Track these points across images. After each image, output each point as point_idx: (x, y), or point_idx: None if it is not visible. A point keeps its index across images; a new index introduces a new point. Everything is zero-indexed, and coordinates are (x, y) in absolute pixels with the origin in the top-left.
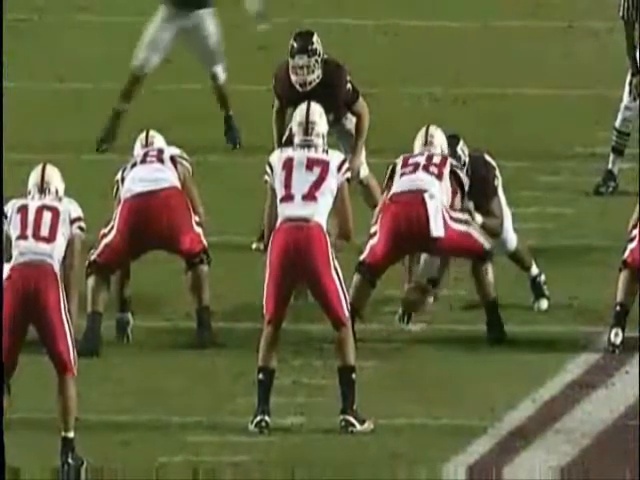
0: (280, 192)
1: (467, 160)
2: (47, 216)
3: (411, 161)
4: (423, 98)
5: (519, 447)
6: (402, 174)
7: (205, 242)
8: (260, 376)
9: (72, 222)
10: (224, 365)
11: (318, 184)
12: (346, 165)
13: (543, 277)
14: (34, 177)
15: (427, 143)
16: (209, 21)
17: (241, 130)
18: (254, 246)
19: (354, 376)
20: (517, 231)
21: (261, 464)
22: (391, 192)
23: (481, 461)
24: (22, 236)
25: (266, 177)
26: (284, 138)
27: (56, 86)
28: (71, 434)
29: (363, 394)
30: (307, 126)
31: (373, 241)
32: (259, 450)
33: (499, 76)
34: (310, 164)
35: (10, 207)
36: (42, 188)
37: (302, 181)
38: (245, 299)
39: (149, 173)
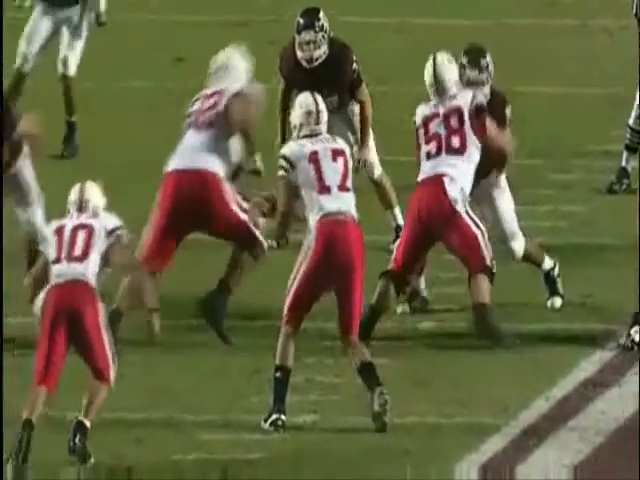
0: (314, 185)
1: (491, 74)
2: (81, 235)
3: (432, 130)
4: None
5: (532, 446)
6: (427, 154)
7: None
8: (277, 374)
9: (109, 234)
10: (238, 363)
11: (345, 175)
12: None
13: (557, 270)
14: (73, 195)
15: (437, 82)
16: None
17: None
18: (268, 243)
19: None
20: (530, 229)
21: (274, 462)
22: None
23: (494, 460)
24: (57, 259)
25: (282, 172)
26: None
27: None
28: (88, 422)
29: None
30: (318, 115)
31: (399, 241)
32: (272, 448)
33: (512, 74)
34: (334, 155)
35: (49, 230)
36: (80, 206)
37: (333, 173)
38: (259, 297)
39: None
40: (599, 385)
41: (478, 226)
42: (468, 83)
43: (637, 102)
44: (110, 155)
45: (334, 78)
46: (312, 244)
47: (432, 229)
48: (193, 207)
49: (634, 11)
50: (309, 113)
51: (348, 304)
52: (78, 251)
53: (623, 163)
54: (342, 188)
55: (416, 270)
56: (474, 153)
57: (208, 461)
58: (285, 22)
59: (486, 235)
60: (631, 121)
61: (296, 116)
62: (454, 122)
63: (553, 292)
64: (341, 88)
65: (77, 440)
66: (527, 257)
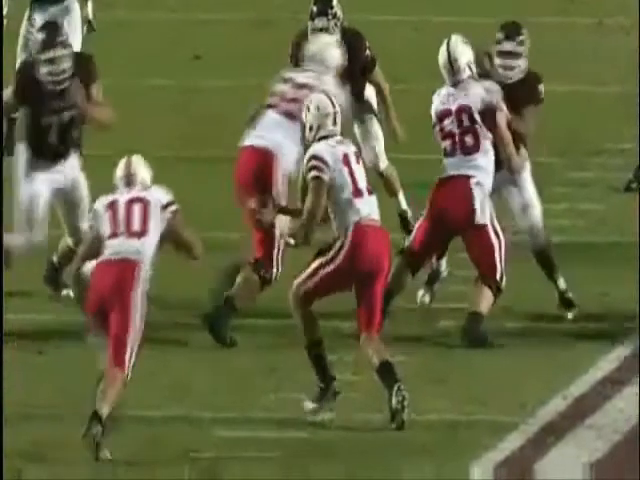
0: (348, 188)
1: (526, 49)
2: (137, 209)
3: (446, 127)
4: None
5: (550, 444)
6: (445, 151)
7: None
8: (317, 350)
9: (164, 209)
10: (255, 361)
11: (366, 177)
12: None
13: (570, 294)
14: (120, 170)
15: (450, 62)
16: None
17: None
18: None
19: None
20: (547, 227)
21: (292, 459)
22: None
23: (512, 457)
24: (113, 234)
25: (317, 173)
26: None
27: None
28: (103, 411)
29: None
30: (335, 116)
31: (418, 224)
32: (289, 445)
33: None
34: (357, 158)
35: (99, 205)
36: (129, 181)
37: (360, 175)
38: (275, 295)
39: None
40: (617, 383)
41: (498, 237)
42: (504, 54)
43: None
44: (127, 152)
45: (348, 64)
46: (346, 246)
47: (453, 228)
48: (255, 183)
49: None
50: (327, 115)
51: (371, 302)
52: (136, 226)
53: None
54: (369, 191)
55: (431, 258)
56: (489, 148)
57: (225, 458)
58: (304, 20)
59: (503, 248)
60: None
61: (312, 117)
62: (465, 120)
63: (569, 306)
64: (354, 75)
65: (93, 432)
66: (547, 253)
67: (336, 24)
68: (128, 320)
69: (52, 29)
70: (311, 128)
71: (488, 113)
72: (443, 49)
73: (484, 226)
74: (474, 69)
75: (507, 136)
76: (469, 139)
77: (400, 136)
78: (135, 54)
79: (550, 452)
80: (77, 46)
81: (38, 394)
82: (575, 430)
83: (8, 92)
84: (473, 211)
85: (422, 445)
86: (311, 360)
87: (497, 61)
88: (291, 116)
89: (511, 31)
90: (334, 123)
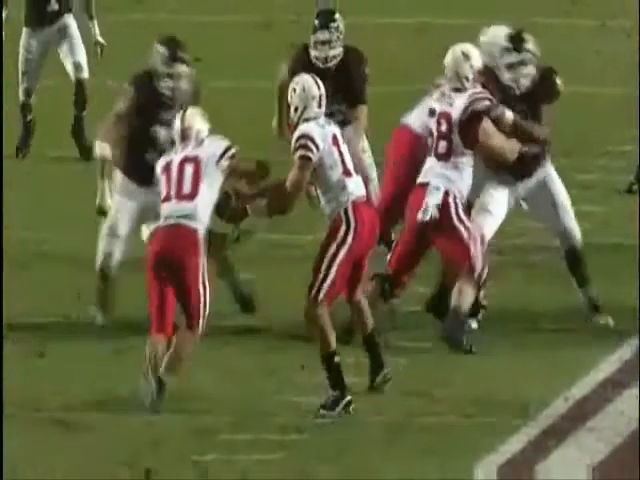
0: (338, 168)
1: (534, 57)
2: (188, 170)
3: (430, 126)
4: None
5: (551, 446)
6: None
7: None
8: (336, 359)
9: (219, 160)
10: (255, 363)
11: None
12: None
13: (599, 302)
14: (175, 125)
15: (456, 78)
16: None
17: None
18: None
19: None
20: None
21: (294, 462)
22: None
23: (513, 460)
24: (166, 198)
25: (309, 153)
26: None
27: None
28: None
29: (395, 391)
30: (320, 99)
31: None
32: (291, 448)
33: None
34: (344, 139)
35: (158, 167)
36: (184, 134)
37: (349, 156)
38: (275, 297)
39: None
40: (618, 385)
41: (468, 230)
42: (511, 66)
43: None
44: None
45: (344, 82)
46: (352, 225)
47: (425, 235)
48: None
49: None
50: (312, 97)
51: (361, 275)
52: (187, 188)
53: None
54: (356, 171)
55: (413, 273)
56: (461, 164)
57: (227, 461)
58: (305, 24)
59: (479, 242)
60: None
61: (298, 98)
62: (443, 127)
63: (601, 313)
64: (350, 93)
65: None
66: (579, 255)
67: (339, 37)
68: (196, 285)
69: (174, 45)
70: (296, 109)
71: (470, 122)
72: (454, 55)
73: (446, 231)
74: (473, 78)
75: (496, 142)
76: (442, 146)
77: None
78: (134, 56)
79: (552, 454)
80: (83, 61)
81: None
82: (576, 432)
83: (121, 104)
84: (432, 218)
85: (423, 447)
86: (327, 370)
87: (506, 75)
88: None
89: (516, 42)
90: (319, 105)
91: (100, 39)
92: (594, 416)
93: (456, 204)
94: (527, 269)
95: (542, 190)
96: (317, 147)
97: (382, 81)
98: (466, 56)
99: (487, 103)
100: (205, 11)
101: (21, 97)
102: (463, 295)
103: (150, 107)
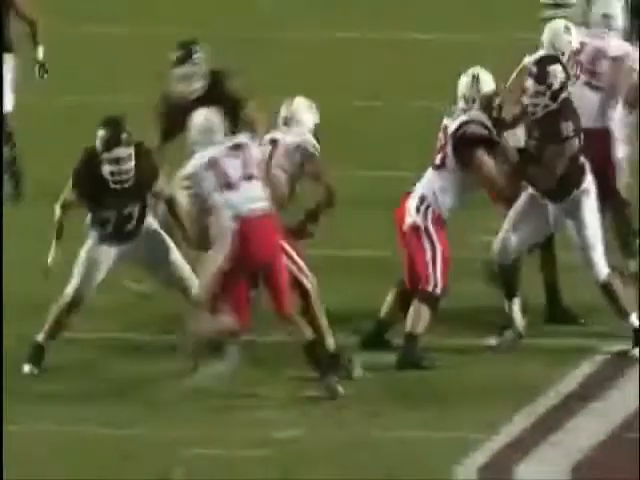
0: (218, 188)
1: (562, 82)
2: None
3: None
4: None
5: (516, 459)
6: None
7: None
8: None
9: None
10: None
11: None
12: None
13: None
14: (282, 111)
15: (464, 98)
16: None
17: None
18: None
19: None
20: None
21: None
22: None
23: (479, 473)
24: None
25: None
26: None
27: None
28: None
29: (360, 405)
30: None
31: None
32: (258, 467)
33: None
34: (236, 149)
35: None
36: (286, 122)
37: (235, 167)
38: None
39: None
40: (582, 399)
41: (433, 247)
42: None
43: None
44: None
45: (219, 103)
46: (235, 241)
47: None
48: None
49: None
50: (204, 131)
51: (276, 288)
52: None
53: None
54: (250, 177)
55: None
56: (453, 174)
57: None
58: (290, 38)
59: (439, 261)
60: None
61: (194, 134)
62: (441, 139)
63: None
64: (230, 110)
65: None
66: (608, 289)
67: (200, 71)
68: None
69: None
70: (193, 143)
71: (462, 142)
72: (466, 77)
73: (413, 239)
74: (474, 99)
75: (485, 172)
76: (439, 157)
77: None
78: (109, 69)
79: (516, 469)
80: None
81: None
82: (539, 447)
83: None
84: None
85: (387, 462)
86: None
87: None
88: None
89: (539, 75)
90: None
91: (42, 61)
92: (557, 431)
93: (426, 214)
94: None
95: (571, 219)
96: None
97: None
98: (476, 79)
99: (480, 130)
100: (194, 23)
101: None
102: (419, 318)
103: (96, 194)
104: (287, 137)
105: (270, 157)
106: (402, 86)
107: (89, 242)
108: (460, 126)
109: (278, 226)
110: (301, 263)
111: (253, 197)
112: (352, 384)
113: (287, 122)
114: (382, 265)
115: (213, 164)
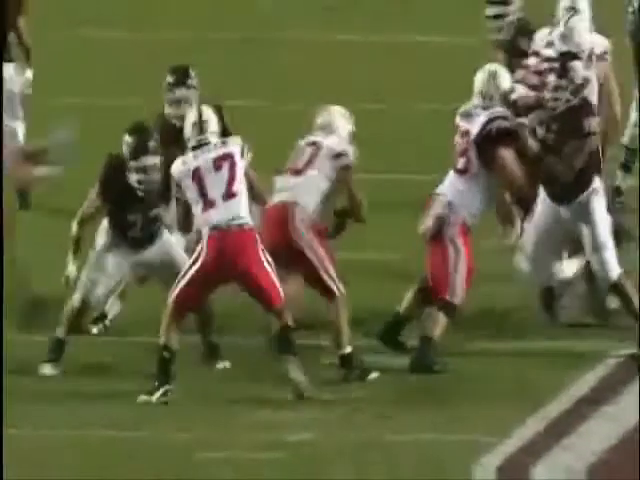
0: (198, 202)
1: (584, 78)
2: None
3: (455, 141)
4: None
5: (528, 464)
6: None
7: None
8: (165, 354)
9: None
10: (235, 381)
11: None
12: None
13: None
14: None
15: (481, 97)
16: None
17: None
18: None
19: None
20: None
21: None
22: None
23: (497, 475)
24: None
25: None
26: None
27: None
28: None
29: (373, 408)
30: (201, 125)
31: None
32: (271, 466)
33: None
34: (219, 162)
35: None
36: (323, 127)
37: (217, 183)
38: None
39: None
40: (594, 403)
41: (457, 254)
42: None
43: (631, 121)
44: None
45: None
46: (203, 252)
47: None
48: None
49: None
50: (193, 124)
51: (259, 290)
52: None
53: (618, 182)
54: (231, 195)
55: None
56: (478, 177)
57: None
58: (291, 38)
59: (462, 270)
60: (626, 140)
61: (186, 131)
62: (464, 142)
63: None
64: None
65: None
66: (620, 289)
67: (193, 95)
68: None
69: (142, 132)
70: (188, 140)
71: (487, 140)
72: (483, 75)
73: (437, 245)
74: (492, 96)
75: (508, 168)
76: (461, 162)
77: None
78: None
79: (528, 472)
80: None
81: None
82: (552, 451)
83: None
84: (434, 223)
85: (398, 464)
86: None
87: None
88: None
89: (561, 70)
90: (200, 131)
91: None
92: (570, 434)
93: (452, 221)
94: (509, 288)
95: (583, 222)
96: (179, 187)
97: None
98: (493, 76)
99: (506, 124)
100: (192, 27)
101: None
102: (435, 323)
103: (122, 200)
104: (328, 141)
105: (310, 159)
106: (404, 89)
107: (99, 246)
108: (486, 123)
109: (255, 241)
110: (332, 271)
111: (233, 216)
112: (365, 387)
113: (323, 129)
114: (393, 268)
115: (196, 176)
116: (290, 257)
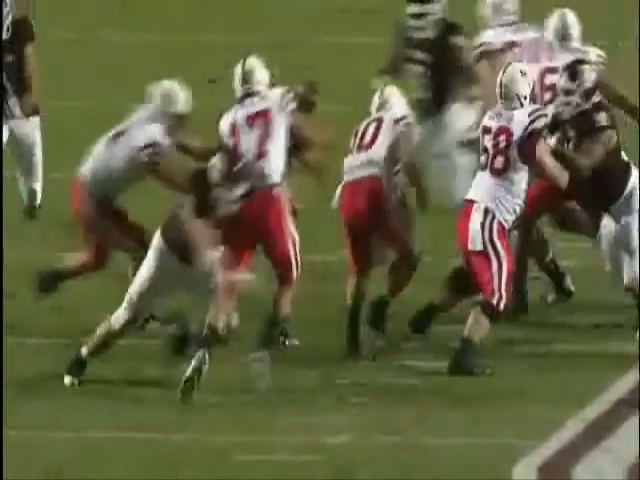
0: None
1: (594, 82)
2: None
3: (484, 143)
4: None
5: (568, 466)
6: (480, 165)
7: None
8: None
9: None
10: (272, 382)
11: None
12: None
13: None
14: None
15: (506, 95)
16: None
17: None
18: None
19: None
20: (562, 251)
21: None
22: None
23: (538, 474)
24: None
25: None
26: None
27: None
28: None
29: (409, 410)
30: (244, 75)
31: None
32: (309, 468)
33: None
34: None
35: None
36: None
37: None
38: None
39: None
40: (633, 406)
41: (499, 260)
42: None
43: None
44: None
45: None
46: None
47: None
48: None
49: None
50: (237, 75)
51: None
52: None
53: None
54: (258, 156)
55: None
56: (518, 175)
57: None
58: (315, 42)
59: (504, 274)
60: None
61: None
62: (501, 142)
63: None
64: None
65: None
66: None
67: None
68: None
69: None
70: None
71: (530, 138)
72: (512, 73)
73: (478, 252)
74: (525, 95)
75: (550, 163)
76: (499, 161)
77: None
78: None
79: (568, 475)
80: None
81: None
82: (591, 453)
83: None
84: (467, 238)
85: (438, 466)
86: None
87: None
88: None
89: (570, 73)
90: (245, 81)
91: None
92: (609, 437)
93: (491, 228)
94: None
95: (617, 217)
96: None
97: None
98: (523, 74)
99: (546, 120)
100: (221, 31)
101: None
102: (478, 326)
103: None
104: (387, 114)
105: (375, 133)
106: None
107: (150, 258)
108: (531, 122)
109: (280, 203)
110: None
111: (261, 176)
112: (401, 389)
113: (380, 108)
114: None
115: (233, 132)
116: (379, 230)
